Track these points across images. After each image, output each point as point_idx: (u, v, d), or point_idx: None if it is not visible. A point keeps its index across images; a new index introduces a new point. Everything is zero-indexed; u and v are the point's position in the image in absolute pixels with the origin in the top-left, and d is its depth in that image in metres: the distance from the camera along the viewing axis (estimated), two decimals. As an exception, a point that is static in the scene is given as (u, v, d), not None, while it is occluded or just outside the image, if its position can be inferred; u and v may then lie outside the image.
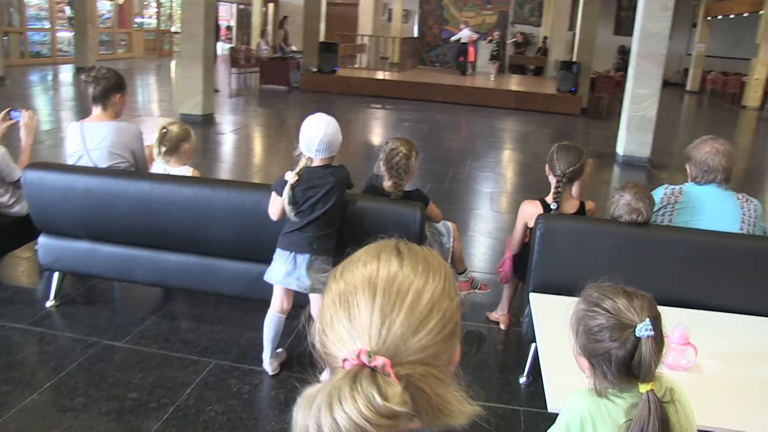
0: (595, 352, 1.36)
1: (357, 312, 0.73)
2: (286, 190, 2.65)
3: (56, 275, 3.44)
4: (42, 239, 3.35)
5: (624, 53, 21.61)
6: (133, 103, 10.58)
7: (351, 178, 2.83)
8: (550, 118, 12.34)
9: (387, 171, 3.07)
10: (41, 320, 3.26)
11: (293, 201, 2.67)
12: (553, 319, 2.38)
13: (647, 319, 1.29)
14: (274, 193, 2.77)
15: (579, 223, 2.90)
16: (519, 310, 3.48)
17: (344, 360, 0.69)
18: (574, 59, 13.98)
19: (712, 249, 2.71)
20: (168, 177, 3.20)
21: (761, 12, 16.70)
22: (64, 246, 3.32)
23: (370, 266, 0.77)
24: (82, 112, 8.65)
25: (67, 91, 12.28)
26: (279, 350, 2.98)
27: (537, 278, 2.79)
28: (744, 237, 2.76)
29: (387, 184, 3.10)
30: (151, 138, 3.35)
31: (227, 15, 24.38)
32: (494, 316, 3.57)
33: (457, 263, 3.56)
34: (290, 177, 2.66)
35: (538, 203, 3.06)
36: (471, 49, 17.35)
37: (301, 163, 2.69)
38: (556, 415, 1.62)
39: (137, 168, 3.45)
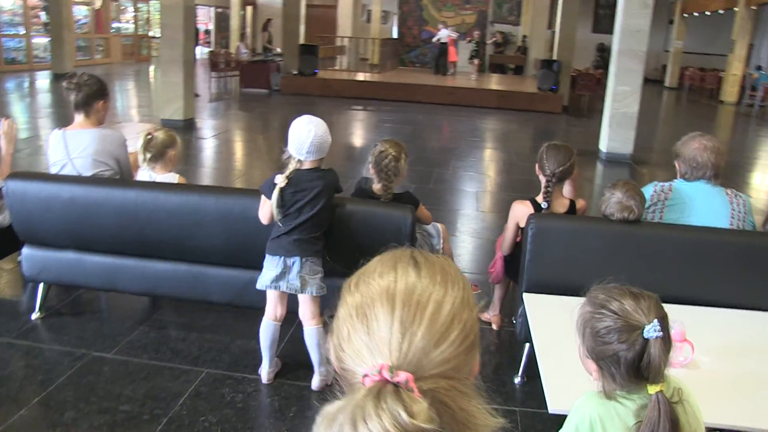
0: (603, 354, 1.35)
1: (376, 325, 0.70)
2: (275, 193, 2.62)
3: (41, 287, 3.37)
4: (26, 250, 3.28)
5: (603, 51, 21.82)
6: (113, 110, 10.44)
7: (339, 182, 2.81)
8: (532, 117, 12.39)
9: (376, 173, 3.05)
10: (27, 333, 3.19)
11: (281, 204, 2.64)
12: (548, 318, 2.39)
13: (655, 320, 1.29)
14: (263, 197, 2.74)
15: (571, 222, 2.90)
16: (510, 310, 3.48)
17: (365, 376, 0.67)
18: (554, 57, 14.06)
19: (703, 245, 2.73)
20: (154, 184, 3.15)
21: (736, 8, 16.96)
22: (48, 257, 3.25)
23: (387, 277, 0.75)
24: (61, 120, 8.53)
25: (44, 98, 12.09)
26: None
27: (530, 278, 2.79)
28: (734, 232, 2.79)
29: (377, 186, 3.08)
30: (135, 144, 3.29)
31: (205, 19, 24.20)
32: (486, 316, 3.56)
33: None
34: (280, 180, 2.63)
35: (528, 203, 3.06)
36: (452, 49, 17.39)
37: (291, 166, 2.66)
38: (556, 415, 1.61)
39: (122, 176, 3.39)
